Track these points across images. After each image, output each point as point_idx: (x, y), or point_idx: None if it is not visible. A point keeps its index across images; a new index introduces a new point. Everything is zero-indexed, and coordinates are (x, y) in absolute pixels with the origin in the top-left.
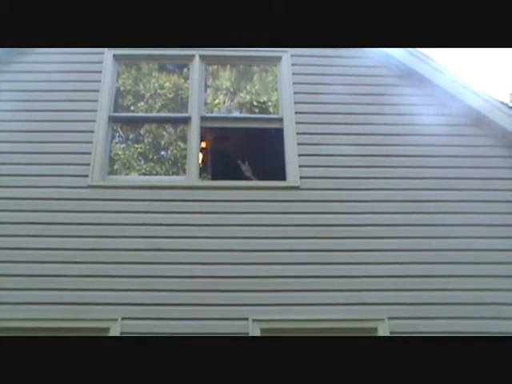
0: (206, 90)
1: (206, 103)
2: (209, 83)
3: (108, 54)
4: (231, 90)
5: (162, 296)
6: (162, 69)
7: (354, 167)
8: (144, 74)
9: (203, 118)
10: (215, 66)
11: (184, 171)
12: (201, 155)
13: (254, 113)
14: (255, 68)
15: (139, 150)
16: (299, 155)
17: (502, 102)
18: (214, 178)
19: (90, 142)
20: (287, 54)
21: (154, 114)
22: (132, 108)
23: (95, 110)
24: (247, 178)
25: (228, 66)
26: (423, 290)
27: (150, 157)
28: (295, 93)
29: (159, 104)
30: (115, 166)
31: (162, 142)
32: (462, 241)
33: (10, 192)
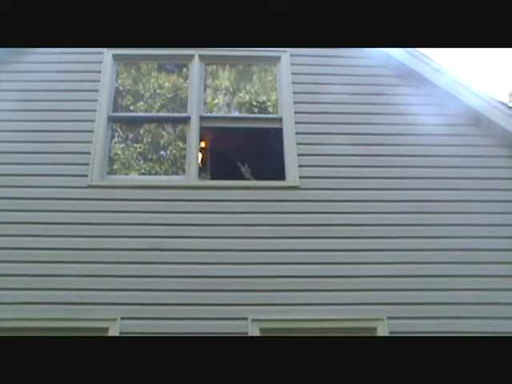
0: (205, 90)
1: (205, 103)
2: (208, 83)
3: (107, 53)
4: (230, 89)
5: (162, 296)
6: (161, 69)
7: (353, 167)
8: (143, 74)
9: (202, 118)
10: (214, 66)
11: (183, 171)
12: (200, 155)
13: (254, 113)
14: (254, 68)
15: (138, 149)
16: (299, 155)
17: (502, 102)
18: (213, 177)
19: (90, 142)
20: (286, 54)
21: (153, 114)
22: (131, 108)
23: (94, 110)
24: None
25: (227, 66)
26: (423, 289)
27: (150, 157)
28: (294, 93)
29: (158, 104)
30: (114, 166)
31: (162, 142)
32: (462, 240)
33: (9, 192)
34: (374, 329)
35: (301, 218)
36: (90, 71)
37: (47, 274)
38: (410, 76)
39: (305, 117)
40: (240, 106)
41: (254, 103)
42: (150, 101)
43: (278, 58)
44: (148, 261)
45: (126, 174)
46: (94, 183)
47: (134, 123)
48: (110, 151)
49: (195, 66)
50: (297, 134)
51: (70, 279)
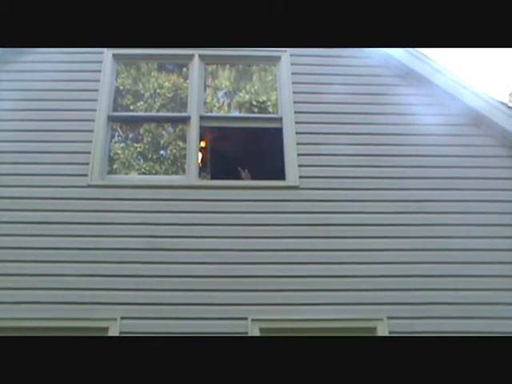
0: (205, 90)
1: (205, 103)
2: (208, 83)
3: (107, 53)
4: (230, 89)
5: (161, 295)
6: (161, 68)
7: (353, 167)
8: (143, 74)
9: (202, 118)
10: (214, 66)
11: (183, 171)
12: (200, 155)
13: (254, 112)
14: (254, 68)
15: (138, 149)
16: (298, 155)
17: (502, 102)
18: (213, 177)
19: (90, 142)
20: (286, 54)
21: (153, 114)
22: (131, 107)
23: (94, 110)
24: None
25: (227, 66)
26: (423, 289)
27: (150, 156)
28: (294, 92)
29: (158, 103)
30: (114, 166)
31: (162, 142)
32: (462, 240)
33: (9, 191)
34: (374, 329)
35: (301, 217)
36: (90, 71)
37: (47, 273)
38: (410, 76)
39: (305, 117)
40: (240, 106)
41: (254, 103)
42: (150, 100)
43: (278, 58)
44: (148, 260)
45: (126, 174)
46: (93, 183)
47: (134, 123)
48: (109, 151)
49: (195, 65)
50: (297, 133)
51: (69, 279)
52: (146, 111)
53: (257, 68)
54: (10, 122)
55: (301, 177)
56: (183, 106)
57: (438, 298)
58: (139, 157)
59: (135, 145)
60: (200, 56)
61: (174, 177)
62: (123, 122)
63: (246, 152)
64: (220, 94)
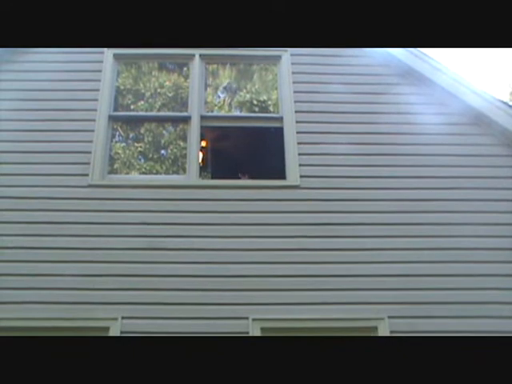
0: (205, 89)
1: (206, 102)
2: (209, 82)
3: (108, 53)
4: (232, 85)
5: (162, 295)
6: (161, 68)
7: (353, 166)
8: (144, 73)
9: (203, 117)
10: (215, 65)
11: (184, 170)
12: (201, 154)
13: (254, 112)
14: (255, 67)
15: (139, 149)
16: (299, 154)
17: (502, 101)
18: (214, 177)
19: (90, 141)
20: (287, 53)
21: (154, 113)
22: (132, 107)
23: (95, 109)
24: None
25: (228, 65)
26: (424, 289)
27: (150, 156)
28: (295, 92)
29: (159, 103)
30: (115, 165)
31: (162, 141)
32: (463, 240)
33: (10, 191)
34: (375, 328)
35: (301, 217)
36: (90, 71)
37: (48, 273)
38: (410, 75)
39: (305, 116)
40: (241, 105)
41: (255, 102)
42: (150, 100)
43: (279, 58)
44: (149, 260)
45: (127, 174)
46: (94, 182)
47: (134, 122)
48: (110, 150)
49: (196, 65)
50: (297, 133)
51: (70, 278)
52: (146, 111)
53: (257, 67)
54: (11, 121)
55: (301, 176)
56: (184, 105)
57: (440, 298)
58: (140, 156)
59: (136, 144)
60: (201, 55)
61: (174, 176)
62: (124, 122)
63: (246, 151)
64: (220, 88)
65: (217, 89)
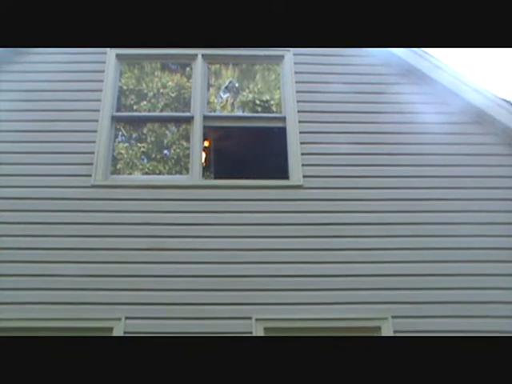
0: (208, 89)
1: (208, 102)
2: (211, 82)
3: (111, 53)
4: (234, 88)
5: (166, 295)
6: (164, 68)
7: (356, 166)
8: (147, 74)
9: (206, 117)
10: (218, 65)
11: (187, 170)
12: (204, 154)
13: (257, 112)
14: (257, 67)
15: (142, 149)
16: (302, 154)
17: (505, 100)
18: (216, 177)
19: (93, 142)
20: (290, 53)
21: (156, 114)
22: (135, 107)
23: (98, 110)
24: None
25: (230, 65)
26: (427, 288)
27: (153, 156)
28: (298, 92)
29: (162, 103)
30: (118, 166)
31: (165, 142)
32: (466, 239)
33: (13, 192)
34: (379, 328)
35: (304, 217)
36: (93, 71)
37: (51, 273)
38: (412, 74)
39: (308, 116)
40: (243, 105)
41: (258, 102)
42: (153, 100)
43: (282, 57)
44: (152, 260)
45: (130, 174)
46: (97, 183)
47: (137, 123)
48: (113, 151)
49: (198, 65)
50: (300, 133)
51: (74, 279)
52: (149, 111)
53: (260, 67)
54: (13, 122)
55: (304, 176)
56: (186, 105)
57: (443, 297)
58: (143, 157)
59: (139, 145)
60: (203, 56)
61: (177, 176)
62: (127, 122)
63: (249, 151)
64: (222, 88)
65: (219, 89)
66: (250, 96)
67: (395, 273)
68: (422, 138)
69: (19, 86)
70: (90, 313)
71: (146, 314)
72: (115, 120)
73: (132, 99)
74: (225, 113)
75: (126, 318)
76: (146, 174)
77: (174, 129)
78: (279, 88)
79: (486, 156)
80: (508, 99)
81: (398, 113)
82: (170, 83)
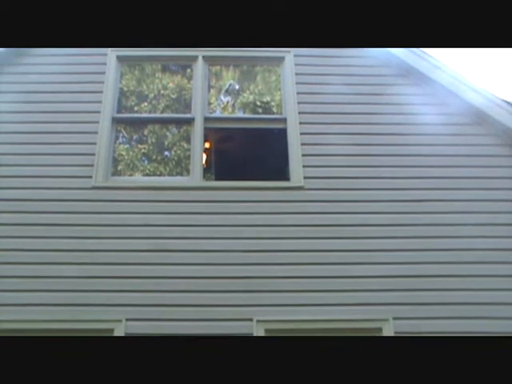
0: (209, 91)
1: (209, 103)
2: (212, 84)
3: (111, 55)
4: (234, 91)
5: (166, 297)
6: (165, 69)
7: (358, 167)
8: (147, 75)
9: (207, 119)
10: (218, 67)
11: (188, 172)
12: (204, 156)
13: (258, 113)
14: (258, 68)
15: (143, 150)
16: (303, 155)
17: (505, 101)
18: (217, 178)
19: (94, 143)
20: (290, 55)
21: (157, 115)
22: (135, 109)
23: (99, 111)
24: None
25: (231, 67)
26: (428, 289)
27: (154, 157)
28: (298, 93)
29: (163, 105)
30: (119, 167)
31: (166, 143)
32: (467, 240)
33: (14, 193)
34: (380, 329)
35: (305, 218)
36: (94, 73)
37: (51, 275)
38: (412, 75)
39: (309, 117)
40: (244, 107)
41: (258, 103)
42: (154, 102)
43: (282, 59)
44: (153, 262)
45: (131, 175)
46: (98, 184)
47: (138, 124)
48: (114, 152)
49: (199, 66)
50: (301, 134)
51: (74, 280)
52: (150, 112)
53: (260, 69)
54: (14, 124)
55: (305, 177)
56: (187, 107)
57: (444, 299)
58: (143, 158)
59: (139, 146)
60: (204, 57)
61: (178, 178)
62: (127, 124)
63: (250, 153)
64: (222, 91)
65: (220, 90)
66: (251, 97)
67: (396, 274)
68: (423, 139)
69: (20, 87)
70: (90, 314)
71: (146, 315)
72: (116, 121)
73: (133, 101)
74: (225, 114)
75: (127, 319)
76: (147, 175)
77: (174, 130)
78: (280, 89)
79: (487, 157)
80: (508, 100)
81: (398, 114)
82: (170, 85)
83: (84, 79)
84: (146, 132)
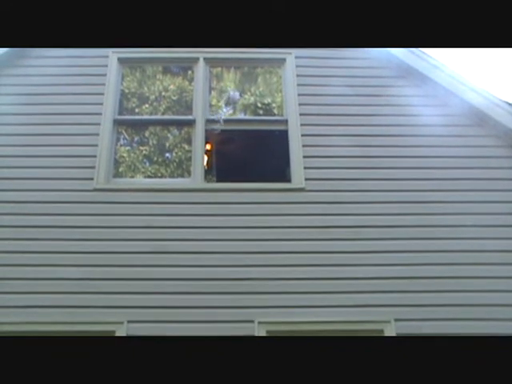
0: (210, 93)
1: (210, 105)
2: (213, 85)
3: (112, 57)
4: (235, 91)
5: (168, 299)
6: (166, 71)
7: (359, 168)
8: (148, 77)
9: (208, 121)
10: (219, 68)
11: (189, 173)
12: (205, 157)
13: (259, 115)
14: (259, 70)
15: (144, 152)
16: (304, 157)
17: (506, 102)
18: (219, 180)
19: (95, 145)
20: (291, 56)
21: (158, 117)
22: (137, 110)
23: (100, 113)
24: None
25: (232, 68)
26: (430, 291)
27: (155, 159)
28: (300, 94)
29: (164, 106)
30: (120, 169)
31: (167, 145)
32: (469, 242)
33: (15, 195)
34: (381, 331)
35: (306, 220)
36: (95, 74)
37: (53, 277)
38: (412, 75)
39: (310, 119)
40: (245, 108)
41: (259, 105)
42: (155, 103)
43: (283, 60)
44: (154, 263)
45: (132, 177)
46: (99, 186)
47: (139, 126)
48: (115, 154)
49: (200, 68)
50: (302, 135)
51: (76, 282)
52: (151, 114)
53: (262, 70)
54: (16, 126)
55: (306, 179)
56: (188, 108)
57: (446, 300)
58: (145, 160)
59: (141, 148)
60: (205, 59)
61: (179, 180)
62: (129, 125)
63: (251, 154)
64: (224, 97)
65: (221, 91)
66: (252, 99)
67: (398, 275)
68: (424, 140)
69: (21, 89)
70: (92, 316)
71: (148, 317)
72: (117, 123)
73: (134, 102)
74: (227, 116)
75: (129, 321)
76: (148, 177)
77: (175, 132)
78: (281, 91)
79: (487, 158)
80: (509, 101)
81: (400, 115)
82: (171, 86)
83: (85, 81)
84: (147, 134)
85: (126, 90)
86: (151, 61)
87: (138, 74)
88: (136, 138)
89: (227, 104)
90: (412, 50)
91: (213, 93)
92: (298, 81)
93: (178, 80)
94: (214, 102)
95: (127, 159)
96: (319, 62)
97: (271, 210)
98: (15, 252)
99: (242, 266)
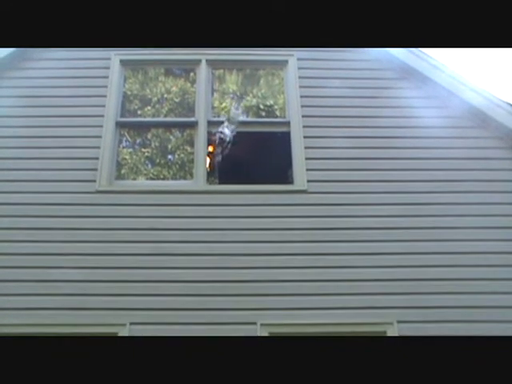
0: (212, 95)
1: (212, 107)
2: (215, 87)
3: (115, 59)
4: (238, 93)
5: (170, 301)
6: (168, 73)
7: (361, 170)
8: (151, 79)
9: (210, 122)
10: (221, 70)
11: (191, 175)
12: (208, 159)
13: (261, 116)
14: (261, 72)
15: (146, 154)
16: (306, 159)
17: (508, 103)
18: (221, 182)
19: (98, 147)
20: (293, 58)
21: (160, 119)
22: (139, 113)
23: (102, 115)
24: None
25: (234, 70)
26: (432, 293)
27: (157, 161)
28: (302, 96)
29: (166, 108)
30: (122, 171)
31: (169, 147)
32: (471, 243)
33: (18, 197)
34: (384, 333)
35: (309, 221)
36: (97, 77)
37: (55, 279)
38: (412, 76)
39: (312, 120)
40: (247, 110)
41: (262, 107)
42: (157, 105)
43: (285, 62)
44: (156, 266)
45: (134, 179)
46: (102, 188)
47: (141, 128)
48: (117, 156)
49: (202, 70)
50: (304, 137)
51: (78, 284)
52: (153, 116)
53: (264, 72)
54: (18, 128)
55: (309, 181)
56: (190, 110)
57: (448, 302)
58: (147, 162)
59: (143, 150)
60: (207, 61)
61: (181, 182)
62: (131, 128)
63: (253, 156)
64: (228, 99)
65: (224, 93)
66: (254, 101)
67: (400, 277)
68: (426, 142)
69: (23, 91)
70: (94, 318)
71: (150, 319)
72: (119, 125)
73: (136, 104)
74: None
75: (131, 323)
76: (151, 179)
77: (178, 134)
78: (283, 93)
79: (489, 160)
80: (510, 101)
81: (401, 117)
82: (173, 88)
83: (87, 83)
84: (149, 136)
85: (129, 92)
86: (153, 63)
87: (140, 76)
88: (138, 140)
89: (230, 123)
90: (412, 50)
91: (215, 95)
92: (300, 83)
93: (180, 82)
94: (216, 103)
95: (129, 161)
96: (321, 63)
97: (274, 211)
98: (17, 254)
99: (244, 268)
